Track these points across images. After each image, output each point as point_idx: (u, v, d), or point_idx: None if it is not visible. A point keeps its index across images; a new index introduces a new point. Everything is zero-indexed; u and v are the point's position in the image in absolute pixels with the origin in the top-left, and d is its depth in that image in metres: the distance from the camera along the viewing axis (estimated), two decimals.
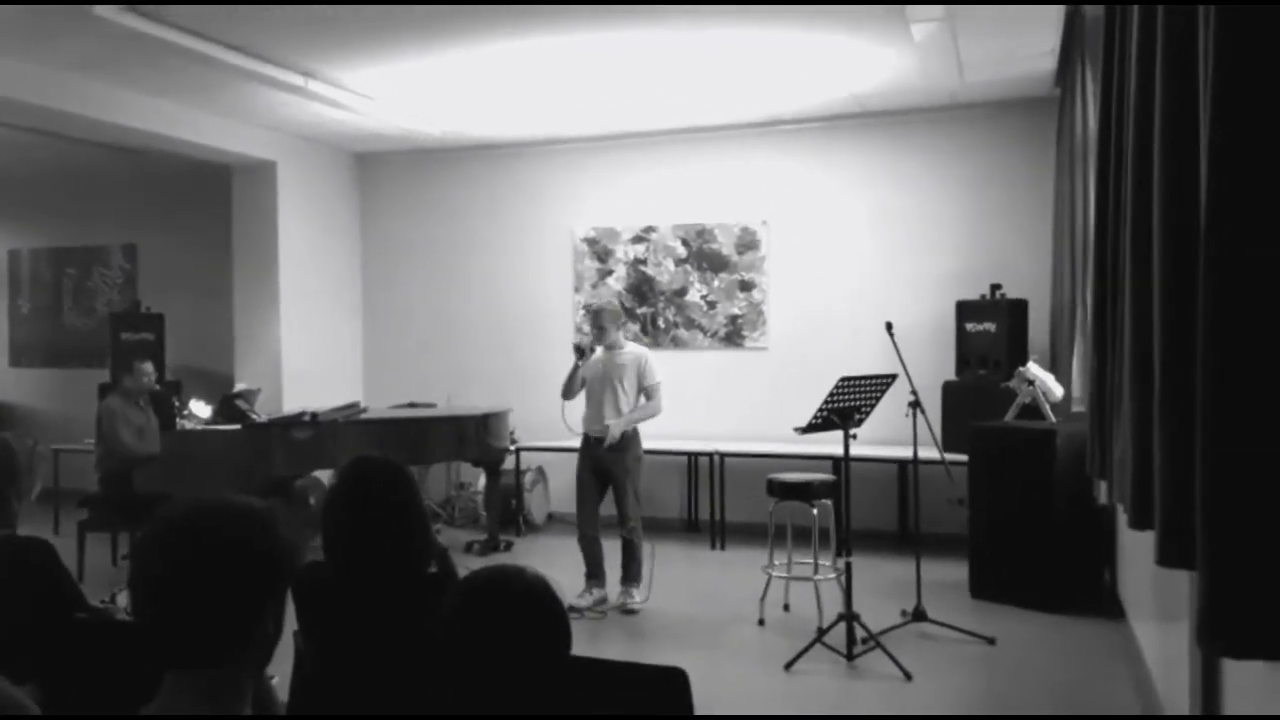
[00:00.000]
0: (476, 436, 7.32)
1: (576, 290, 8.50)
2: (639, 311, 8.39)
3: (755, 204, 8.04)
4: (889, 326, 5.28)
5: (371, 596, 2.43)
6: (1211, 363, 1.53)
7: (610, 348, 5.97)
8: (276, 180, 8.26)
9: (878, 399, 5.24)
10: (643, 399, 5.96)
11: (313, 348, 8.57)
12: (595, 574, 5.94)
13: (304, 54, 6.04)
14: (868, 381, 5.15)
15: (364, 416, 7.17)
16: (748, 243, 8.06)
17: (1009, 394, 5.98)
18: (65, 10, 5.10)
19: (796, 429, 5.22)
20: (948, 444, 6.14)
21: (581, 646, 1.82)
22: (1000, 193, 7.38)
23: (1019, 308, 6.92)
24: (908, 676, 4.63)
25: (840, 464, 5.35)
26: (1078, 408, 5.56)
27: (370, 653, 2.38)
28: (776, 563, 5.79)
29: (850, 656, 4.84)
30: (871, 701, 4.47)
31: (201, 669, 1.40)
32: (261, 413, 7.21)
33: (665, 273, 8.32)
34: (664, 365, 7.73)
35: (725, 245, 8.13)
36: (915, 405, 5.19)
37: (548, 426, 7.81)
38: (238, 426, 6.77)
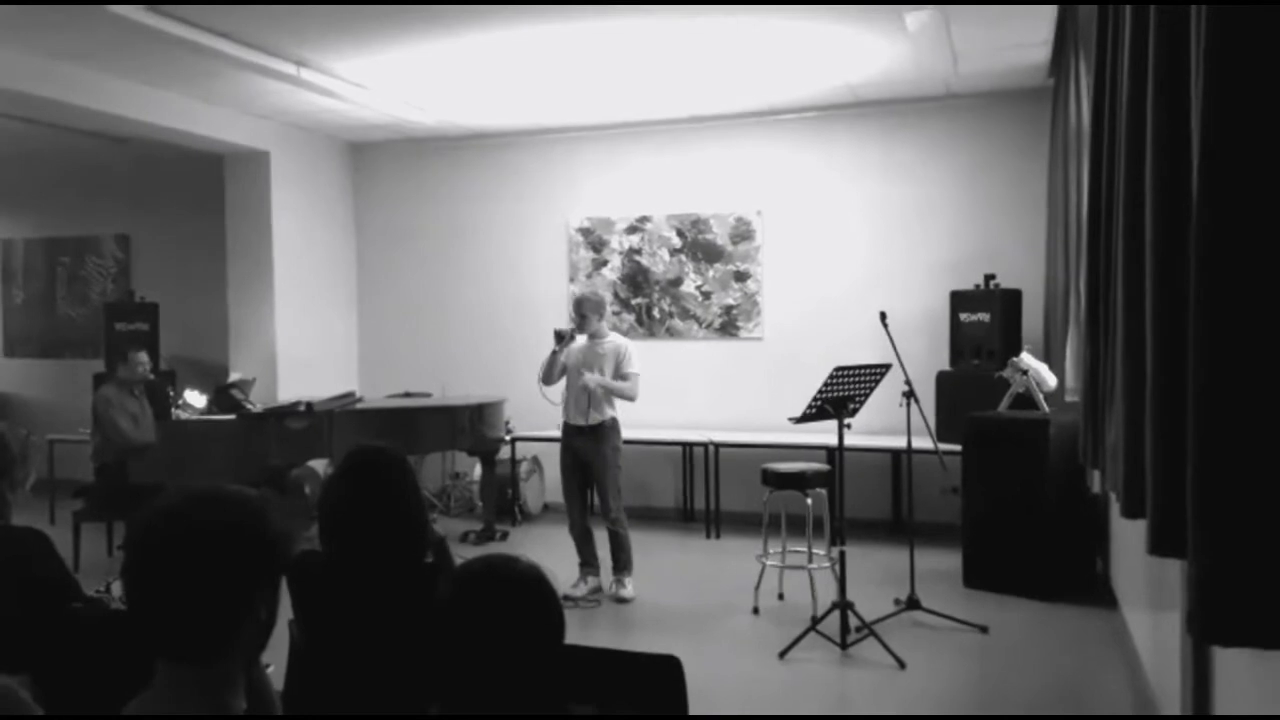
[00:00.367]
0: (471, 426, 7.33)
1: (571, 280, 8.50)
2: (634, 302, 8.39)
3: (750, 194, 8.04)
4: (883, 316, 5.28)
5: (367, 585, 2.43)
6: (1203, 353, 1.54)
7: (593, 337, 5.96)
8: (270, 170, 8.23)
9: (872, 389, 5.25)
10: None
11: (307, 337, 8.55)
12: (588, 563, 5.96)
13: (297, 42, 6.01)
14: (862, 371, 5.16)
15: (359, 406, 7.17)
16: (742, 233, 8.06)
17: (1002, 384, 5.99)
18: None
19: (791, 419, 5.23)
20: (941, 434, 6.15)
21: (576, 635, 1.83)
22: (994, 183, 7.39)
23: (1013, 298, 6.93)
24: (901, 665, 4.65)
25: (834, 453, 5.36)
26: (1071, 397, 5.57)
27: (365, 642, 2.39)
28: (771, 552, 5.80)
29: (844, 645, 4.87)
30: (865, 689, 4.50)
31: (194, 659, 1.40)
32: (256, 402, 7.20)
33: (660, 263, 8.32)
34: (659, 356, 7.75)
35: (720, 235, 8.12)
36: (909, 395, 5.21)
37: (543, 416, 7.81)
38: (232, 416, 6.76)
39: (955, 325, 6.99)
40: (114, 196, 9.74)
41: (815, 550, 5.75)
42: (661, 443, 7.77)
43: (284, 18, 5.49)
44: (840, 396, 5.09)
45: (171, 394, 7.30)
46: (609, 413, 5.91)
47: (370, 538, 2.46)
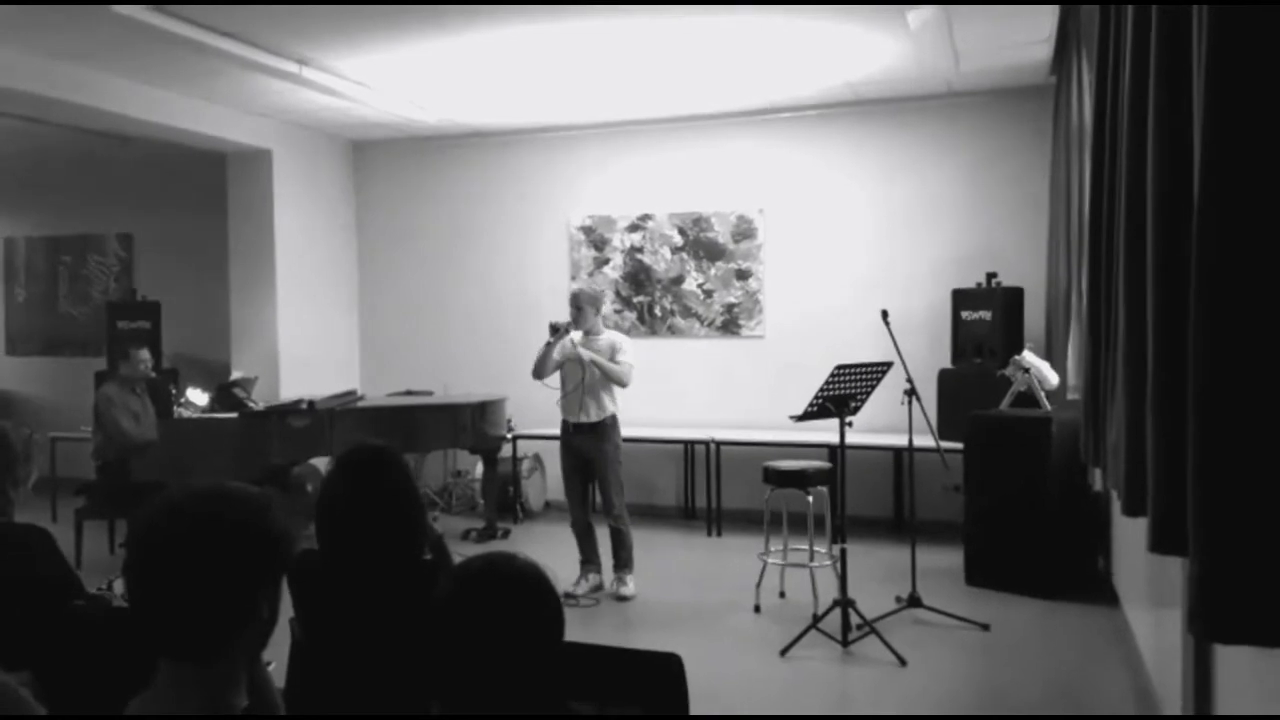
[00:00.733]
0: (473, 424, 7.33)
1: (573, 278, 8.49)
2: (635, 300, 8.39)
3: (752, 192, 8.04)
4: (885, 315, 5.28)
5: (366, 583, 2.44)
6: (1203, 351, 1.54)
7: (588, 333, 5.94)
8: (272, 168, 8.24)
9: (873, 387, 5.25)
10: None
11: (309, 336, 8.56)
12: (590, 560, 5.96)
13: (299, 41, 6.01)
14: (863, 370, 5.16)
15: (360, 404, 7.18)
16: (744, 231, 8.06)
17: (1004, 382, 5.99)
18: None
19: (792, 417, 5.23)
20: (943, 432, 6.16)
21: (577, 633, 1.82)
22: (996, 181, 7.38)
23: (1014, 296, 6.92)
24: (902, 662, 4.65)
25: (836, 451, 5.36)
26: (1073, 395, 5.57)
27: (365, 639, 2.39)
28: (772, 549, 5.80)
29: (845, 642, 4.87)
30: (866, 687, 4.50)
31: (196, 656, 1.40)
32: (258, 401, 7.21)
33: (662, 261, 8.32)
34: (660, 354, 7.74)
35: (722, 234, 8.12)
36: (911, 393, 5.21)
37: (544, 414, 7.81)
38: (234, 414, 6.78)
39: (957, 323, 6.99)
40: (116, 195, 9.74)
41: (817, 548, 5.75)
42: (663, 441, 7.77)
43: (286, 17, 5.49)
44: (842, 394, 5.09)
45: (173, 392, 7.31)
46: (610, 410, 5.90)
47: (367, 535, 2.46)
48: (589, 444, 5.89)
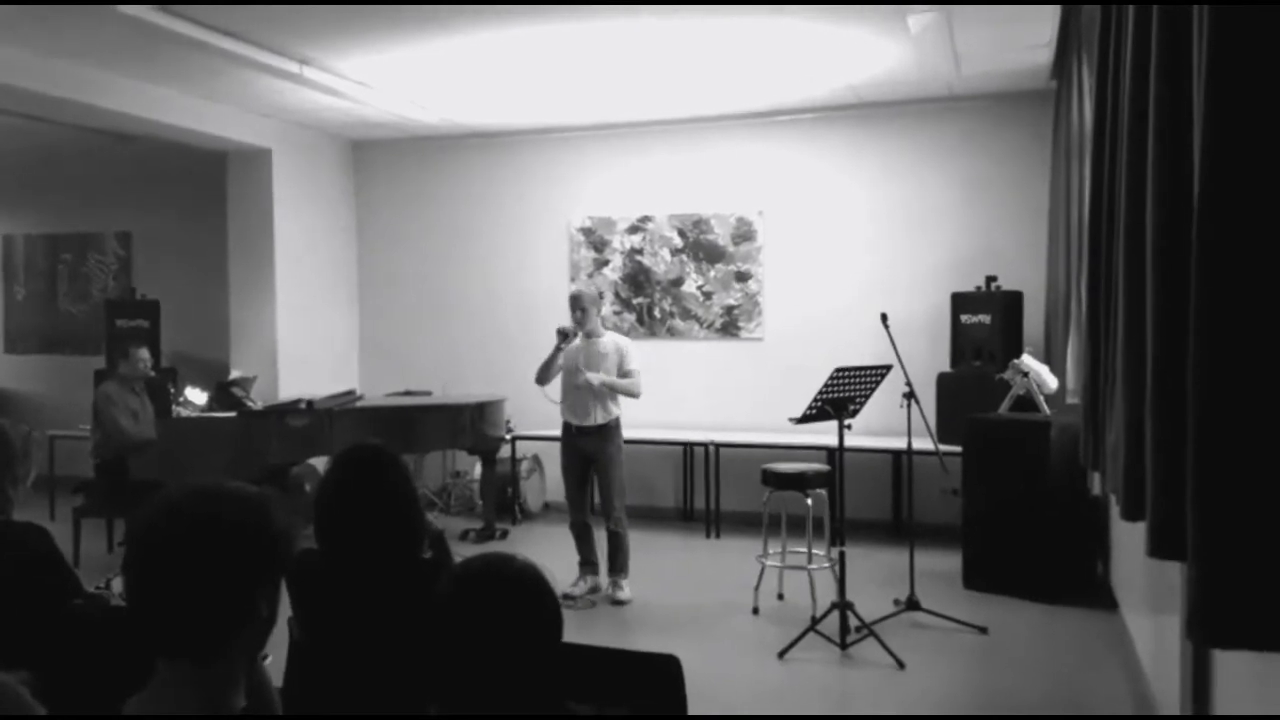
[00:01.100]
0: (472, 425, 7.34)
1: (572, 280, 8.49)
2: (635, 302, 8.39)
3: (751, 195, 8.04)
4: (884, 318, 5.28)
5: (364, 582, 2.44)
6: (1203, 355, 1.54)
7: (589, 335, 5.93)
8: (272, 167, 8.24)
9: (872, 390, 5.25)
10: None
11: (308, 335, 8.56)
12: (588, 561, 5.96)
13: (300, 41, 6.01)
14: (862, 372, 5.16)
15: (359, 404, 7.18)
16: (744, 233, 8.06)
17: (1003, 386, 5.99)
18: None
19: (791, 419, 5.23)
20: (942, 435, 6.16)
21: (575, 635, 1.83)
22: (996, 185, 7.39)
23: (1014, 300, 6.93)
24: (900, 665, 4.65)
25: (835, 454, 5.36)
26: (1072, 399, 5.58)
27: (363, 638, 2.39)
28: (771, 552, 5.80)
29: (844, 645, 4.87)
30: (864, 690, 4.50)
31: (195, 655, 1.40)
32: (257, 400, 7.21)
33: (661, 263, 8.32)
34: (659, 356, 7.75)
35: (721, 236, 8.12)
36: (910, 396, 5.21)
37: (543, 415, 7.81)
38: (233, 414, 6.77)
39: (956, 327, 6.99)
40: (116, 193, 9.74)
41: (815, 551, 5.75)
42: (662, 443, 7.77)
43: (288, 16, 5.49)
44: (841, 397, 5.09)
45: (172, 391, 7.31)
46: (614, 412, 5.89)
47: (365, 534, 2.46)
48: (593, 446, 5.87)
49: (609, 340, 5.97)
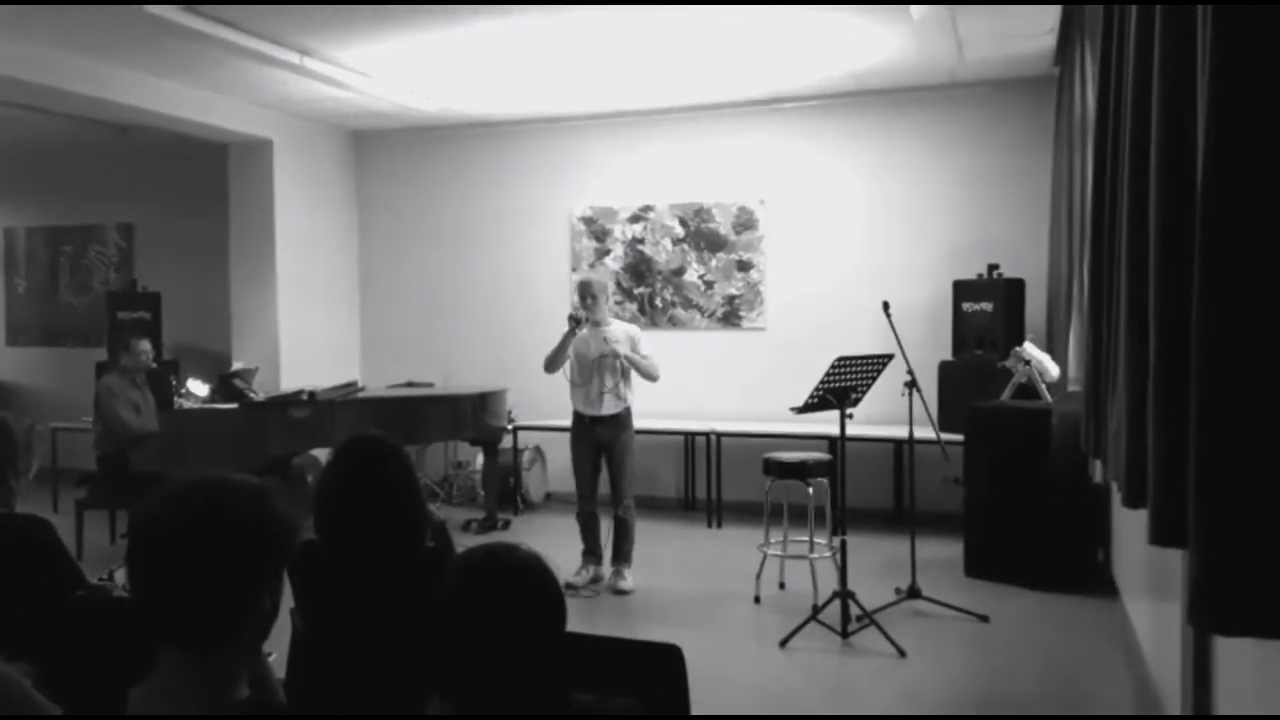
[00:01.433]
0: (474, 415, 7.33)
1: (574, 269, 8.49)
2: (636, 291, 8.38)
3: (753, 183, 8.02)
4: (886, 306, 5.27)
5: (366, 573, 2.44)
6: (1205, 343, 1.54)
7: (597, 324, 5.91)
8: (273, 158, 8.23)
9: (874, 379, 5.25)
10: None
11: (310, 326, 8.56)
12: (592, 550, 5.96)
13: (300, 31, 6.00)
14: (864, 361, 5.16)
15: (361, 395, 7.18)
16: (745, 222, 8.05)
17: (1005, 374, 5.99)
18: None
19: (793, 408, 5.23)
20: (944, 423, 6.15)
21: (578, 624, 1.83)
22: (998, 172, 7.37)
23: (1016, 287, 6.92)
24: (902, 653, 4.66)
25: (836, 443, 5.36)
26: (1073, 387, 5.57)
27: (366, 630, 2.39)
28: (772, 541, 5.81)
29: (845, 634, 4.88)
30: (866, 678, 4.51)
31: (197, 646, 1.40)
32: (259, 391, 7.21)
33: (663, 252, 8.31)
34: (661, 345, 7.73)
35: (723, 225, 8.11)
36: (911, 385, 5.21)
37: (545, 405, 7.82)
38: (235, 405, 6.77)
39: (958, 315, 6.99)
40: (117, 185, 9.73)
41: (816, 539, 5.76)
42: (663, 432, 7.77)
43: (288, 7, 5.48)
44: (842, 386, 5.08)
45: (174, 383, 7.30)
46: (628, 401, 5.89)
47: (367, 525, 2.46)
48: (608, 434, 5.85)
49: (619, 329, 5.95)
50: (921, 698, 4.27)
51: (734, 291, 8.10)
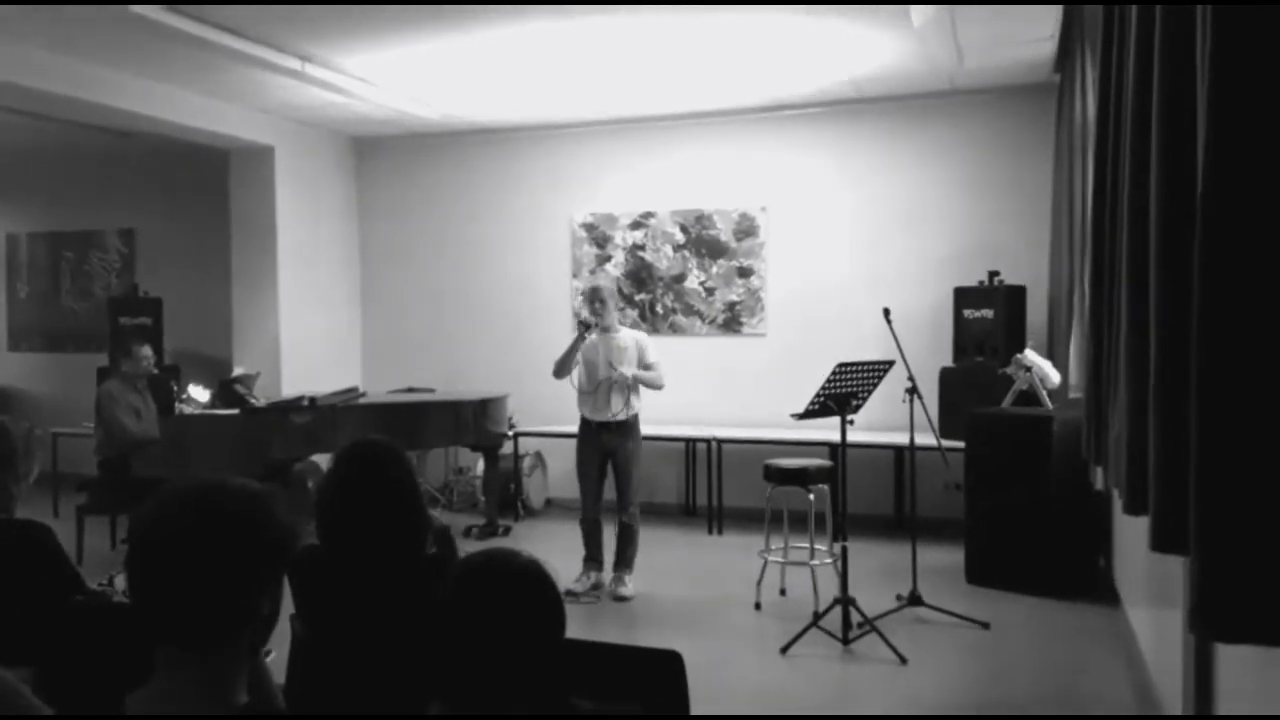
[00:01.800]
0: (474, 421, 7.33)
1: (575, 276, 8.49)
2: (637, 298, 8.38)
3: (754, 190, 8.03)
4: (886, 313, 5.27)
5: (366, 578, 2.44)
6: (1206, 349, 1.54)
7: (605, 330, 5.91)
8: (274, 164, 8.24)
9: (875, 385, 5.24)
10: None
11: (311, 332, 8.56)
12: (594, 557, 5.95)
13: (302, 38, 6.01)
14: (865, 367, 5.16)
15: (362, 401, 7.18)
16: (746, 229, 8.06)
17: (1006, 380, 5.98)
18: None
19: (794, 415, 5.22)
20: (945, 430, 6.15)
21: (578, 630, 1.83)
22: (999, 179, 7.38)
23: (1017, 294, 6.92)
24: (903, 660, 4.65)
25: (837, 450, 5.36)
26: (1074, 394, 5.57)
27: (366, 635, 2.39)
28: (773, 547, 5.80)
29: (846, 640, 4.87)
30: (866, 685, 4.50)
31: (196, 650, 1.40)
32: (260, 397, 7.21)
33: (664, 259, 8.31)
34: (662, 351, 7.73)
35: (724, 231, 8.12)
36: (912, 391, 5.20)
37: (546, 411, 7.82)
38: (236, 411, 6.77)
39: (959, 321, 6.99)
40: (118, 191, 9.75)
41: (817, 546, 5.75)
42: (664, 438, 7.77)
43: (289, 13, 5.49)
44: (843, 393, 5.08)
45: (175, 388, 7.30)
46: (635, 407, 5.88)
47: (368, 530, 2.46)
48: (615, 441, 5.84)
49: (627, 335, 5.95)
50: (922, 705, 4.26)
51: (735, 298, 8.10)
